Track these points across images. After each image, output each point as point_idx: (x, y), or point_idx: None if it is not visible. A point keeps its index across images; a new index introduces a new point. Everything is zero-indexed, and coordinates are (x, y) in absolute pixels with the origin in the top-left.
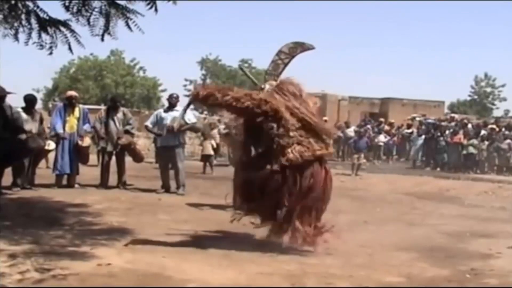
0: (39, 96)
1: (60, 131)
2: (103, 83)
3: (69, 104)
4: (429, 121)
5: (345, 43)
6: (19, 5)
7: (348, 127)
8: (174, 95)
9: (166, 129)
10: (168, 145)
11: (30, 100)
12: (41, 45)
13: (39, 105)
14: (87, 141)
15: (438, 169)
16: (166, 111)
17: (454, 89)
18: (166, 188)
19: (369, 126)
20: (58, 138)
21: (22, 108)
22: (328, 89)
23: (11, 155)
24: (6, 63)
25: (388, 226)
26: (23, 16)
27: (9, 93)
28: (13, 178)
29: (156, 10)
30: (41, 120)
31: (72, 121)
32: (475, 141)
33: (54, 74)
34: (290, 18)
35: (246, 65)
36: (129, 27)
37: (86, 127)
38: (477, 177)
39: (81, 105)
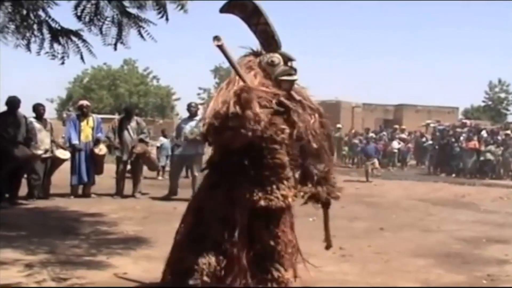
0: (53, 106)
1: (76, 141)
2: (116, 93)
3: (82, 114)
4: (440, 127)
5: (359, 50)
6: (31, 15)
7: (367, 133)
8: (193, 104)
9: (184, 138)
10: (185, 154)
11: (34, 108)
12: (53, 55)
13: (53, 115)
14: (103, 150)
15: (453, 175)
16: (185, 120)
17: (468, 95)
18: (173, 193)
19: (384, 132)
20: (74, 149)
21: (34, 117)
22: (342, 96)
23: None
24: (20, 73)
25: (403, 233)
26: (35, 26)
27: None
28: (29, 188)
29: (167, 19)
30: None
31: (87, 130)
32: (492, 148)
33: (67, 84)
34: (303, 25)
35: None
36: (141, 36)
37: (100, 135)
38: (492, 183)
39: (94, 115)
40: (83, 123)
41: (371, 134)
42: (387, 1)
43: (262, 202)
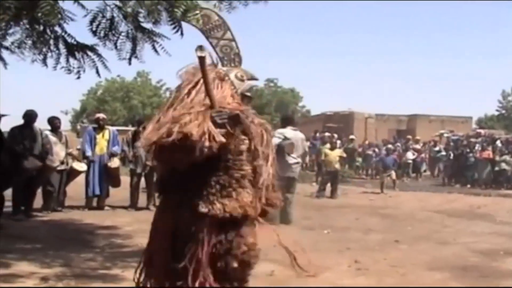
0: (68, 118)
1: (89, 153)
2: (130, 104)
3: (98, 126)
4: (454, 137)
5: (372, 61)
6: (48, 31)
7: (385, 145)
8: None
9: None
10: None
11: (49, 121)
12: (69, 70)
13: (67, 127)
14: (116, 162)
15: (468, 185)
16: None
17: (481, 104)
18: None
19: (398, 143)
20: (88, 161)
21: (50, 130)
22: (355, 107)
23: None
24: (35, 85)
25: (419, 245)
26: (51, 42)
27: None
28: (44, 201)
29: (182, 34)
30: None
31: (102, 143)
32: (507, 157)
33: (81, 96)
34: (316, 38)
35: (271, 84)
36: (155, 51)
37: (116, 148)
38: (508, 193)
39: (110, 127)
40: (99, 136)
41: (389, 145)
42: (400, 7)
43: (239, 210)
